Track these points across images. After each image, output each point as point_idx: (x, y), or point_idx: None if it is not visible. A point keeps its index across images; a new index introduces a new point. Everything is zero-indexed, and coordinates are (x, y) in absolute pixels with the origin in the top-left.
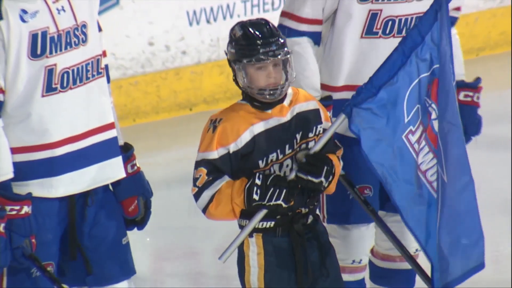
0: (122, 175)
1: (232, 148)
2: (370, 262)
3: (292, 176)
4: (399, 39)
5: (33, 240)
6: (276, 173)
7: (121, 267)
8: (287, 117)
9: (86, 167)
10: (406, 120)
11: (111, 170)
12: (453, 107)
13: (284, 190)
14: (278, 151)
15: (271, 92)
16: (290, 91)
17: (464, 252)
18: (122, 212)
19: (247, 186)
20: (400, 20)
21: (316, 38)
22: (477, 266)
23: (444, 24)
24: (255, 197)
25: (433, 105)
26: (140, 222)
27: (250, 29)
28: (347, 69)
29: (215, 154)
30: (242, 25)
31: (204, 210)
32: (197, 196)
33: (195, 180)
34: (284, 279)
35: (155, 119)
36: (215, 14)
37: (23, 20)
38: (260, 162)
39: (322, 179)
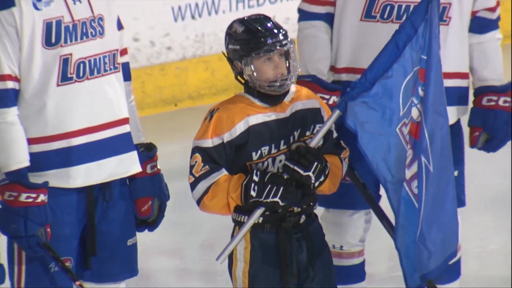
0: (138, 169)
1: (226, 137)
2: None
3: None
4: (398, 25)
5: (48, 230)
6: (270, 167)
7: (123, 266)
8: (286, 113)
9: (103, 158)
10: (401, 113)
11: (128, 164)
12: (441, 98)
13: (281, 188)
14: (273, 145)
15: (282, 82)
16: (293, 88)
17: (443, 242)
18: (134, 211)
19: (245, 182)
20: (399, 6)
21: (330, 20)
22: (450, 255)
23: (433, 16)
24: (252, 193)
25: (420, 91)
26: (151, 223)
27: (252, 23)
28: (347, 52)
29: (209, 142)
30: (241, 21)
31: (199, 201)
32: (193, 186)
33: (191, 167)
34: (268, 275)
35: (140, 115)
36: (200, 10)
37: (36, 8)
38: (253, 153)
39: (310, 173)
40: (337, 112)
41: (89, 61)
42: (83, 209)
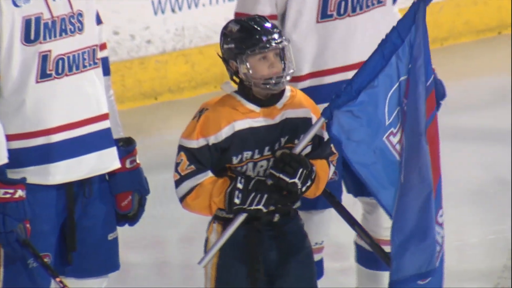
0: (117, 165)
1: (212, 140)
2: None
3: (270, 180)
4: (355, 17)
5: (28, 225)
6: (249, 171)
7: (103, 262)
8: (275, 120)
9: (82, 155)
10: (387, 123)
11: (107, 160)
12: (420, 112)
13: (265, 195)
14: (256, 150)
15: (277, 80)
16: (288, 92)
17: (412, 255)
18: (114, 205)
19: (229, 189)
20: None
21: None
22: (430, 271)
23: (420, 26)
24: (236, 201)
25: (404, 101)
26: (132, 218)
27: (247, 22)
28: (309, 57)
29: (194, 143)
30: (236, 21)
31: (182, 199)
32: (177, 183)
33: (176, 164)
34: (235, 271)
35: (120, 109)
36: (180, 3)
37: (15, 5)
38: (234, 158)
39: (296, 180)
40: (322, 120)
41: (68, 57)
42: (62, 205)
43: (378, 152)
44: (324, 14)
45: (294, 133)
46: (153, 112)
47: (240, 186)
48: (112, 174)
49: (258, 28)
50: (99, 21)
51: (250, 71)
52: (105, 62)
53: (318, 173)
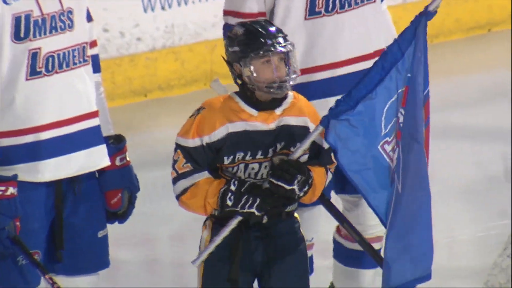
0: (107, 163)
1: (206, 140)
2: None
3: (266, 184)
4: (344, 14)
5: (17, 223)
6: (240, 172)
7: (93, 259)
8: (270, 126)
9: (72, 152)
10: (383, 133)
11: (97, 158)
12: (418, 122)
13: (258, 199)
14: (249, 153)
15: (280, 85)
16: (289, 99)
17: (411, 262)
18: (104, 203)
19: (222, 191)
20: None
21: None
22: (424, 277)
23: (420, 40)
24: (229, 202)
25: (402, 111)
26: (121, 215)
27: (252, 25)
28: (297, 54)
29: (190, 142)
30: (242, 24)
31: (178, 197)
32: (174, 181)
33: (174, 162)
34: (218, 271)
35: (110, 106)
36: (170, 1)
37: (5, 2)
38: (225, 158)
39: (294, 186)
40: (320, 128)
41: (58, 55)
42: (51, 202)
43: (372, 159)
44: (312, 11)
45: (290, 140)
46: (143, 110)
47: (233, 188)
48: (101, 171)
49: (263, 32)
50: (89, 18)
51: (254, 74)
52: (95, 59)
53: (315, 179)
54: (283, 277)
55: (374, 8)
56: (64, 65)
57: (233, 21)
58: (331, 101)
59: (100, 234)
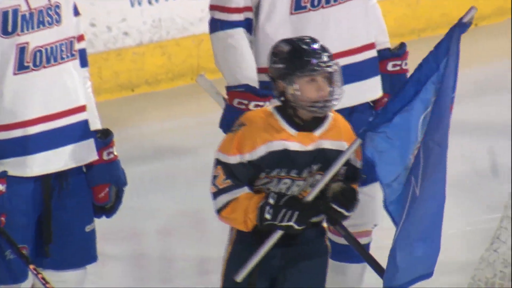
0: (94, 157)
1: (246, 157)
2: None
3: (309, 198)
4: (329, 9)
5: (2, 219)
6: (272, 186)
7: (81, 254)
8: (308, 147)
9: (60, 147)
10: (416, 142)
11: (84, 152)
12: (445, 129)
13: (297, 213)
14: (285, 170)
15: (324, 104)
16: (328, 121)
17: (417, 261)
18: (92, 198)
19: (260, 205)
20: None
21: (249, 27)
22: (425, 274)
23: (454, 52)
24: (267, 216)
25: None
26: (109, 210)
27: (298, 43)
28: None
29: (230, 159)
30: (287, 40)
31: (218, 212)
32: (214, 196)
33: (213, 177)
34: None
35: (97, 100)
36: None
37: None
38: (263, 173)
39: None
40: (358, 141)
41: (46, 49)
42: (39, 197)
43: (404, 170)
44: (298, 6)
45: (326, 162)
46: (130, 104)
47: (271, 201)
48: (89, 166)
49: (309, 50)
50: (76, 12)
51: (298, 93)
52: (82, 54)
53: None
54: (298, 283)
55: (362, 3)
56: (52, 60)
57: (220, 15)
58: None
59: (88, 228)
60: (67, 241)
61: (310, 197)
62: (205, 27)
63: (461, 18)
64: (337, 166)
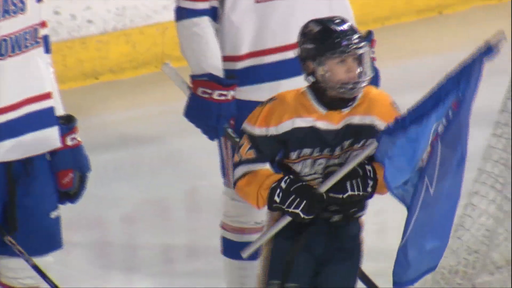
0: (58, 145)
1: (271, 131)
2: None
3: (321, 190)
4: None
5: None
6: (306, 168)
7: (46, 240)
8: (338, 125)
9: (23, 134)
10: (425, 151)
11: (48, 140)
12: (465, 140)
13: (305, 201)
14: (317, 149)
15: (353, 86)
16: (358, 98)
17: (427, 257)
18: (56, 183)
19: (273, 186)
20: None
21: (215, 15)
22: (431, 267)
23: (475, 75)
24: (276, 199)
25: (444, 121)
26: (73, 196)
27: (328, 24)
28: (248, 37)
29: (255, 130)
30: (317, 21)
31: (235, 183)
32: (235, 166)
33: (239, 146)
34: (283, 246)
35: (61, 88)
36: None
37: None
38: (292, 153)
39: (350, 193)
40: (375, 144)
41: (11, 38)
42: (3, 185)
43: (413, 176)
44: None
45: (357, 137)
46: (94, 92)
47: (283, 185)
48: (53, 152)
49: (340, 31)
50: None
51: (327, 74)
52: (45, 40)
53: (378, 172)
54: (330, 279)
55: None
56: (17, 48)
57: (185, 4)
58: (283, 83)
59: (53, 215)
60: (32, 228)
61: (322, 188)
62: (169, 15)
63: (488, 42)
64: (352, 164)
